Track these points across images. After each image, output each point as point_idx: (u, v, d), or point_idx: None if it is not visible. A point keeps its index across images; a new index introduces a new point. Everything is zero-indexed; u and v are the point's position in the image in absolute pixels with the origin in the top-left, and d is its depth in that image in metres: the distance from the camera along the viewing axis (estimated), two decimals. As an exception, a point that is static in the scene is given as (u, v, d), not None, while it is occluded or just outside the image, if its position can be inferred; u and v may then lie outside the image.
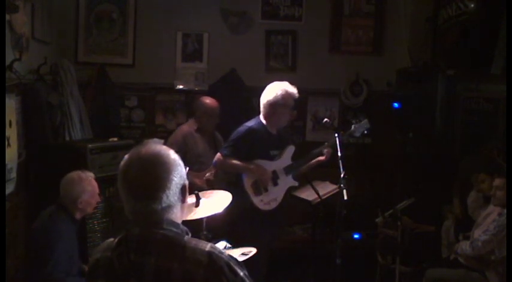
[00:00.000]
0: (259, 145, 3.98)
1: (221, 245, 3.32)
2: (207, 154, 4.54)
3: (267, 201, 3.96)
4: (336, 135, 3.69)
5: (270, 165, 4.00)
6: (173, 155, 1.69)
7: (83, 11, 5.38)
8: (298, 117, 5.19)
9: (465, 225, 4.25)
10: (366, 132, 4.25)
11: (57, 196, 3.37)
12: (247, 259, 3.18)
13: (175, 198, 1.65)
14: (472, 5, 4.52)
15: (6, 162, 3.40)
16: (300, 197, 4.30)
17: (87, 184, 3.39)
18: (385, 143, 5.45)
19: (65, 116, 4.56)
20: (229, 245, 3.33)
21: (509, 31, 4.09)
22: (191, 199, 3.20)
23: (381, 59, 5.75)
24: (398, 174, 5.48)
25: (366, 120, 4.23)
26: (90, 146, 4.16)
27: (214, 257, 1.59)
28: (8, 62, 3.52)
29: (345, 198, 3.28)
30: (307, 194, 4.25)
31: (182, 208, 1.71)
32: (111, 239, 1.69)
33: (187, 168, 1.79)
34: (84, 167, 3.69)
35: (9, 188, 3.56)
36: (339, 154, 3.54)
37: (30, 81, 4.05)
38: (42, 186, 3.97)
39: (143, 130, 5.56)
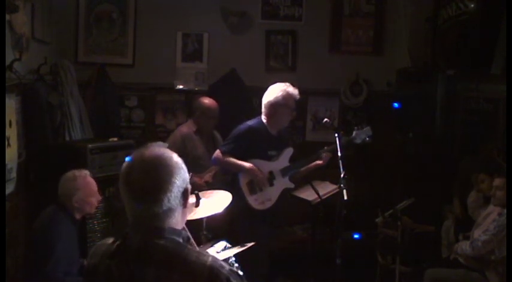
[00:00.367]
0: (258, 144, 4.01)
1: (221, 245, 3.32)
2: (206, 156, 4.54)
3: (261, 200, 3.98)
4: (336, 135, 3.69)
5: (266, 166, 4.02)
6: (176, 158, 1.68)
7: (83, 11, 5.38)
8: (298, 117, 5.19)
9: (465, 225, 4.25)
10: (367, 139, 4.22)
11: (57, 196, 3.37)
12: (247, 259, 3.17)
13: (177, 201, 1.64)
14: (472, 5, 4.51)
15: (6, 162, 3.40)
16: (300, 197, 4.31)
17: (80, 182, 3.36)
18: (385, 143, 5.45)
19: (65, 116, 4.56)
20: (229, 245, 3.32)
21: (509, 31, 4.09)
22: (191, 199, 3.20)
23: (381, 59, 5.75)
24: (398, 174, 5.48)
25: (368, 128, 4.22)
26: (90, 146, 4.16)
27: (215, 271, 1.58)
28: (8, 62, 3.52)
29: (345, 198, 3.29)
30: (307, 194, 4.26)
31: (184, 213, 1.70)
32: (109, 241, 1.68)
33: (191, 174, 1.77)
34: (84, 167, 3.68)
35: (9, 188, 3.56)
36: (339, 154, 3.55)
37: (30, 81, 4.05)
38: (42, 186, 3.96)
39: (143, 130, 5.56)
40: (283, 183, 4.09)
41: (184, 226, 1.76)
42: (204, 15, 5.56)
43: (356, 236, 4.92)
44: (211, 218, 3.33)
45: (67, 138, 4.56)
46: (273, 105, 4.00)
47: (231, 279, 1.61)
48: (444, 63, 5.11)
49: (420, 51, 5.46)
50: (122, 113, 5.46)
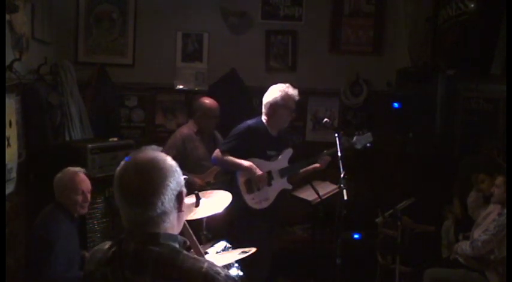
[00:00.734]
0: (257, 144, 4.01)
1: (221, 245, 3.32)
2: (207, 157, 4.52)
3: (258, 200, 3.98)
4: (336, 135, 3.69)
5: (265, 165, 4.02)
6: (170, 161, 1.66)
7: (82, 11, 5.38)
8: (298, 117, 5.18)
9: (465, 225, 4.25)
10: (368, 145, 4.22)
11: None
12: (247, 260, 3.17)
13: (171, 205, 1.62)
14: (472, 5, 4.51)
15: (6, 162, 3.40)
16: (300, 197, 4.31)
17: (66, 178, 3.31)
18: (385, 143, 5.45)
19: (65, 116, 4.57)
20: (229, 245, 3.33)
21: (509, 31, 4.09)
22: (191, 199, 3.20)
23: (381, 59, 5.74)
24: (398, 174, 5.48)
25: (369, 134, 4.22)
26: (90, 146, 4.16)
27: (209, 278, 1.56)
28: (8, 62, 3.52)
29: (345, 198, 3.29)
30: (307, 194, 4.26)
31: (179, 217, 1.68)
32: (106, 247, 1.67)
33: (185, 178, 1.77)
34: (84, 167, 3.68)
35: (9, 188, 3.56)
36: (339, 154, 3.55)
37: (30, 81, 4.06)
38: (42, 186, 3.96)
39: (143, 130, 5.56)
40: (281, 183, 4.09)
41: (186, 223, 1.74)
42: (204, 15, 5.56)
43: (356, 236, 4.92)
44: (211, 218, 3.32)
45: (67, 138, 4.56)
46: (272, 106, 4.02)
47: None
48: (444, 63, 5.10)
49: (420, 51, 5.46)
50: (122, 113, 5.46)
